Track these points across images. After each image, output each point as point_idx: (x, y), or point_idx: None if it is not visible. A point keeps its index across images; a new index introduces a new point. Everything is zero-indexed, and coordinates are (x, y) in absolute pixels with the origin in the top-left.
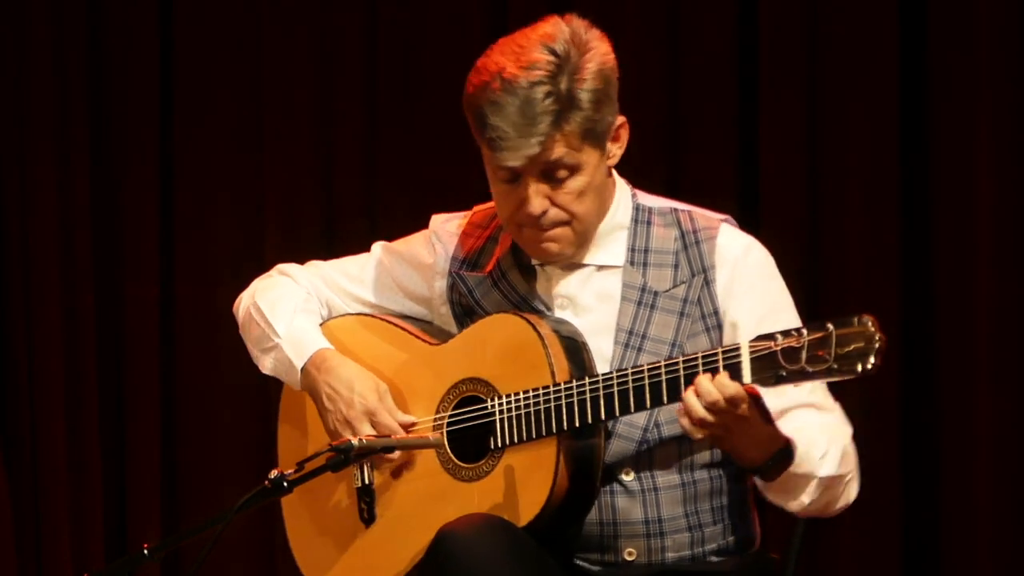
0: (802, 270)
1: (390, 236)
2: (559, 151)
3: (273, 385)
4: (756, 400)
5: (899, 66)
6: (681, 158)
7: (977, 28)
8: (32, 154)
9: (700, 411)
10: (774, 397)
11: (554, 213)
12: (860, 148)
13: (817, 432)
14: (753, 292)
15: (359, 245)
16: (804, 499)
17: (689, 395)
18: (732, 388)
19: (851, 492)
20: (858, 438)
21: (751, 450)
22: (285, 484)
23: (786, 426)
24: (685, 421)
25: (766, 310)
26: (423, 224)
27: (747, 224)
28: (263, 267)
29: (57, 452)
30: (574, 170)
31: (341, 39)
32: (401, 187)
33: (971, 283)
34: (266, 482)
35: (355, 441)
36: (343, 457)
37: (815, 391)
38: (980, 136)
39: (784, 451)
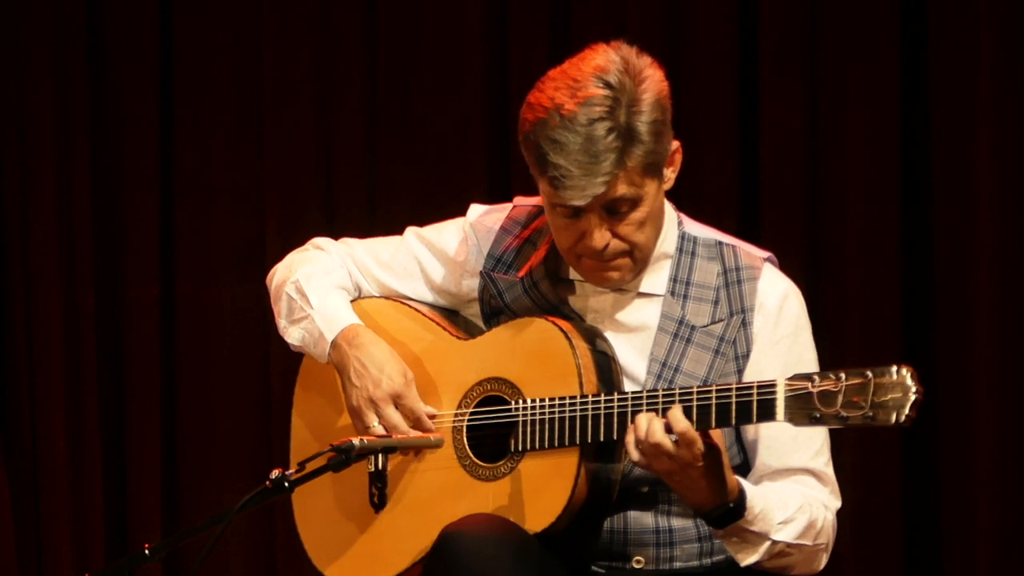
0: (802, 270)
1: (389, 235)
2: (622, 188)
3: (274, 385)
4: (711, 448)
5: (899, 66)
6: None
7: (977, 28)
8: (32, 154)
9: (642, 447)
10: (779, 454)
11: (615, 244)
12: (860, 148)
13: (792, 497)
14: (783, 343)
15: None
16: (754, 556)
17: (639, 425)
18: (683, 424)
19: (814, 563)
20: (858, 438)
21: (694, 495)
22: (286, 484)
23: (771, 483)
24: (633, 452)
25: (792, 363)
26: (423, 223)
27: (747, 225)
28: (263, 267)
29: (57, 452)
30: (635, 203)
31: (341, 39)
32: (401, 186)
33: (971, 283)
34: (267, 482)
35: (356, 441)
36: (344, 457)
37: (817, 457)
38: (980, 136)
39: (733, 506)
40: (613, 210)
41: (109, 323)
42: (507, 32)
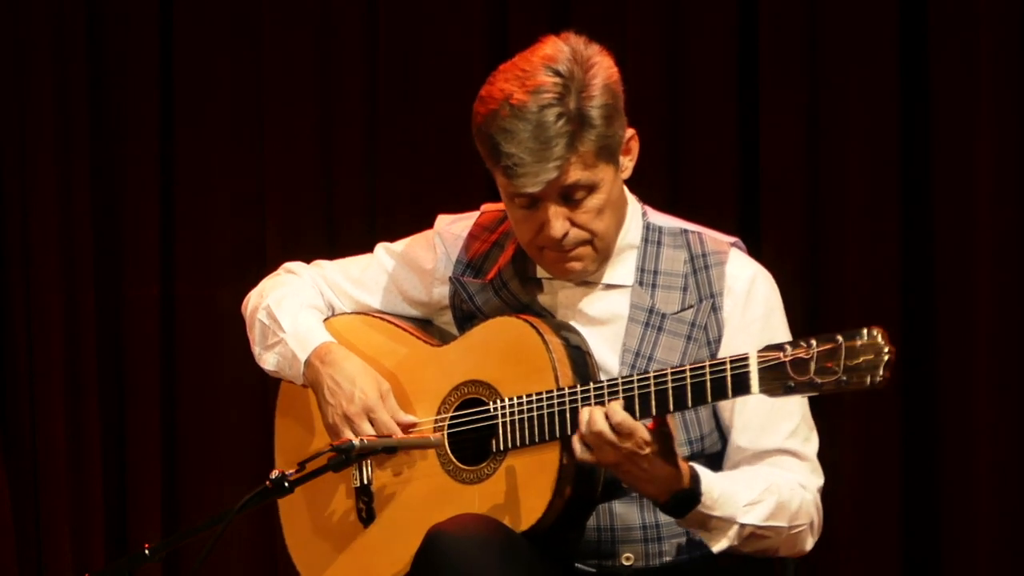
0: (803, 271)
1: (390, 236)
2: (576, 173)
3: (273, 385)
4: (660, 436)
5: (899, 66)
6: (681, 160)
7: (977, 28)
8: (32, 154)
9: (586, 440)
10: (752, 437)
11: (575, 233)
12: (860, 148)
13: (757, 479)
14: (754, 325)
15: (359, 245)
16: (724, 542)
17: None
18: (620, 415)
19: (798, 544)
20: (858, 438)
21: (646, 486)
22: (286, 484)
23: (746, 467)
24: (577, 447)
25: (765, 343)
26: (424, 224)
27: (747, 226)
28: (263, 267)
29: (57, 452)
30: (591, 189)
31: (341, 39)
32: (401, 187)
33: (971, 283)
34: (267, 482)
35: (356, 441)
36: (344, 457)
37: (793, 437)
38: (980, 135)
39: (688, 493)
40: (569, 197)
41: (109, 323)
42: (507, 33)
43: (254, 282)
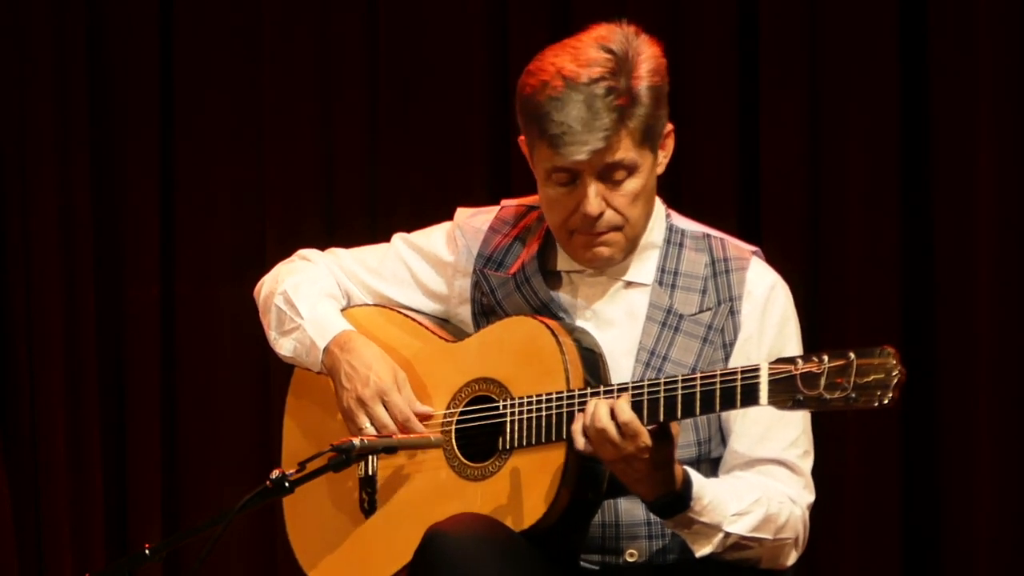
0: (803, 271)
1: (390, 236)
2: (622, 151)
3: (273, 385)
4: (661, 441)
5: (899, 66)
6: (681, 160)
7: (977, 28)
8: (32, 154)
9: (588, 432)
10: (751, 444)
11: (609, 216)
12: (860, 148)
13: (749, 490)
14: (770, 332)
15: (360, 245)
16: (708, 548)
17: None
18: (627, 415)
19: (780, 558)
20: (859, 437)
21: (639, 485)
22: (287, 484)
23: (740, 474)
24: (578, 439)
25: (777, 351)
26: (424, 223)
27: (747, 226)
28: (263, 267)
29: (57, 452)
30: (632, 171)
31: (341, 39)
32: (401, 187)
33: (972, 284)
34: (267, 482)
35: (357, 441)
36: (344, 457)
37: (792, 449)
38: (980, 136)
39: (678, 496)
40: (609, 176)
41: (109, 323)
42: (507, 34)
43: (254, 282)
